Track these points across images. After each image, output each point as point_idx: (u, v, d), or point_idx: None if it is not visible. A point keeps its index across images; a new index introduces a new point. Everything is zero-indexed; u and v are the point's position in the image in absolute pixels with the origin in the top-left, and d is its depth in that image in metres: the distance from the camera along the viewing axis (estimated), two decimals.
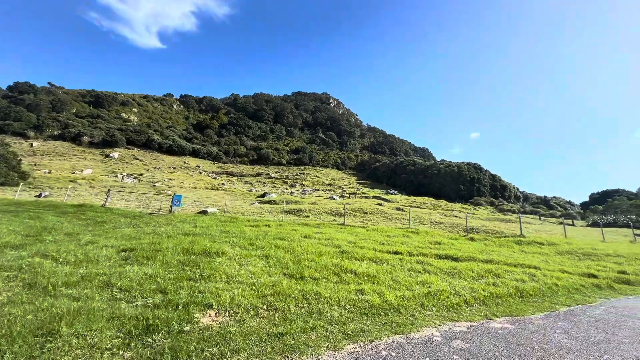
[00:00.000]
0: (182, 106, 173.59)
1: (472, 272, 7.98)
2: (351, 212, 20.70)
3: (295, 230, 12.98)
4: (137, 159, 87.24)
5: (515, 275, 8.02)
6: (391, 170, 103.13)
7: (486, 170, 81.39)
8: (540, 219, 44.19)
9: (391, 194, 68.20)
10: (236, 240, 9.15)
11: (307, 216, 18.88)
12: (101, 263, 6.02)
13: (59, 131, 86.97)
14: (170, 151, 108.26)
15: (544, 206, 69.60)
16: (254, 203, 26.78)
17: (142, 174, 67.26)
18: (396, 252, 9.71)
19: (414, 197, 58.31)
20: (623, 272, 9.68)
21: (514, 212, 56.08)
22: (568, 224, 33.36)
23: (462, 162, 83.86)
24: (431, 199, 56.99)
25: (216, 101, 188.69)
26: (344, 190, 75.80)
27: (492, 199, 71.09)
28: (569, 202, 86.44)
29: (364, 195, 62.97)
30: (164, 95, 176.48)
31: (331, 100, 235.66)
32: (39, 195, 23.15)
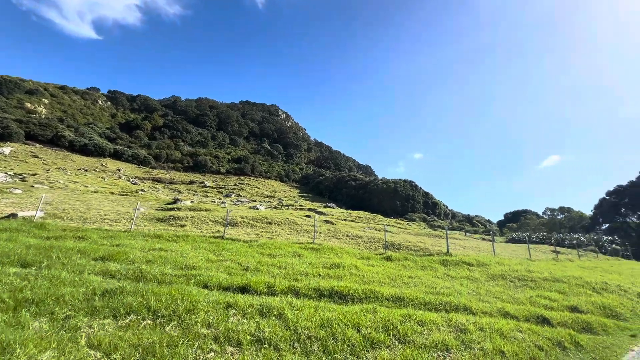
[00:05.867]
0: (109, 102, 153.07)
1: (358, 331, 4.06)
2: (250, 222, 16.21)
3: (117, 246, 8.01)
4: (37, 156, 71.56)
5: (435, 334, 4.32)
6: (333, 185, 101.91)
7: (420, 188, 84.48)
8: (465, 234, 45.07)
9: (329, 207, 65.55)
10: None
11: (184, 225, 13.88)
12: None
13: None
14: (85, 151, 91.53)
15: (468, 223, 73.89)
16: (138, 209, 20.49)
17: (35, 174, 54.19)
18: (244, 289, 5.48)
19: (350, 211, 56.24)
20: (576, 309, 6.85)
21: (443, 228, 57.48)
22: (489, 240, 33.60)
23: (399, 179, 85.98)
24: (367, 213, 55.46)
25: (152, 101, 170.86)
26: (281, 202, 71.18)
27: (424, 215, 73.13)
28: (488, 220, 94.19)
29: (300, 207, 59.18)
30: (88, 89, 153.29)
31: (280, 113, 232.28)
32: None
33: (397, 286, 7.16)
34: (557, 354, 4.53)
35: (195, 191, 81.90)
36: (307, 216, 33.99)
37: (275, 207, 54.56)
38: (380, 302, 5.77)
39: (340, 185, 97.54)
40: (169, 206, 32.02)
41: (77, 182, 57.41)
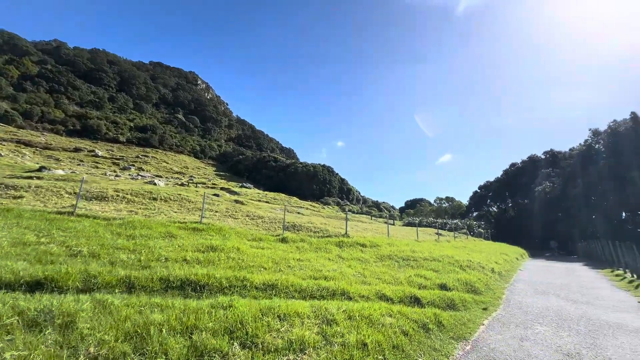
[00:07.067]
0: None
1: (189, 338, 2.99)
2: (127, 196, 13.41)
3: None
4: None
5: (295, 330, 3.58)
6: (253, 165, 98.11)
7: (337, 174, 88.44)
8: (372, 218, 49.09)
9: (245, 187, 62.70)
10: None
11: (20, 197, 10.37)
12: None
13: None
14: None
15: (376, 208, 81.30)
16: None
17: None
18: (40, 284, 3.76)
19: (267, 193, 54.87)
20: (445, 287, 7.30)
21: (354, 212, 61.61)
22: (391, 224, 37.23)
23: (319, 164, 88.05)
24: (283, 195, 54.99)
25: (23, 41, 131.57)
26: (192, 179, 64.82)
27: (339, 199, 77.12)
28: (392, 206, 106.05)
29: (212, 185, 54.82)
30: None
31: (199, 82, 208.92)
32: None
33: (279, 271, 6.38)
34: (420, 337, 4.37)
35: (82, 161, 67.55)
36: (215, 195, 31.27)
37: (182, 185, 49.12)
38: (247, 291, 4.83)
39: (260, 165, 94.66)
40: (28, 174, 25.02)
41: None
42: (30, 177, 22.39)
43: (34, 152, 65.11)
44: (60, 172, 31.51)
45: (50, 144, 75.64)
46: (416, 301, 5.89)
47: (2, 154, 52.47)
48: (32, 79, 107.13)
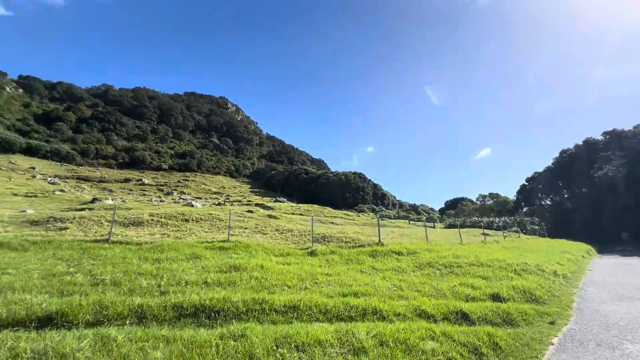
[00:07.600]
0: (21, 90, 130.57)
1: None
2: (161, 219, 13.86)
3: None
4: None
5: None
6: (285, 179, 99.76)
7: (369, 180, 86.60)
8: (409, 222, 46.91)
9: (279, 201, 63.67)
10: None
11: (65, 228, 11.08)
12: None
13: None
14: None
15: (414, 212, 77.96)
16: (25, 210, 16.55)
17: None
18: (50, 319, 3.66)
19: (300, 205, 55.09)
20: (498, 297, 6.27)
21: (390, 217, 59.57)
22: (430, 227, 35.11)
23: (350, 172, 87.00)
24: (316, 206, 54.82)
25: (77, 89, 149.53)
26: (229, 198, 67.43)
27: (374, 206, 75.18)
28: (431, 208, 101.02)
29: (247, 202, 56.48)
30: None
31: (229, 105, 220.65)
32: None
33: (305, 288, 5.88)
34: None
35: (131, 190, 73.61)
36: (249, 211, 31.84)
37: (219, 204, 51.12)
38: (266, 315, 4.39)
39: (292, 179, 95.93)
40: (81, 206, 27.45)
41: None
42: (83, 209, 24.45)
43: (91, 186, 72.27)
44: (109, 202, 34.27)
45: (104, 177, 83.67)
46: (463, 317, 5.02)
47: (65, 190, 58.83)
48: (87, 121, 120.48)
